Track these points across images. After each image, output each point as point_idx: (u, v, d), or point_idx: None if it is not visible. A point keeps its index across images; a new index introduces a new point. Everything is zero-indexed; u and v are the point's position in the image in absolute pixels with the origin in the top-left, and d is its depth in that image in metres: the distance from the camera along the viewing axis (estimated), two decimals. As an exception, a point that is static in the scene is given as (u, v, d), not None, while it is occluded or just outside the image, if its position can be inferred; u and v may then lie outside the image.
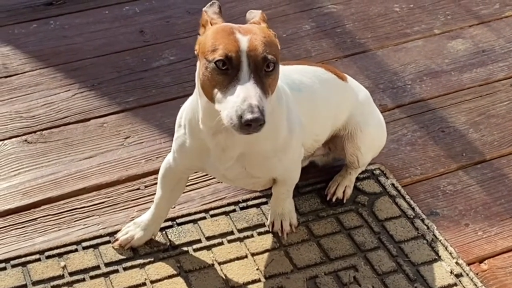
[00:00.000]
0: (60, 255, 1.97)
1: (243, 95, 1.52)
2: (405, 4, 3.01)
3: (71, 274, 1.93)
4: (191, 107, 1.76)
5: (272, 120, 1.64)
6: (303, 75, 1.96)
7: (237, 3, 2.98)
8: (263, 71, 1.57)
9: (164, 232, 2.04)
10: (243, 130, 1.53)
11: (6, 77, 2.59)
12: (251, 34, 1.58)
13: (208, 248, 2.01)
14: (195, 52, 1.66)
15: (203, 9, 1.70)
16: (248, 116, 1.50)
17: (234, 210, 2.11)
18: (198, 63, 1.67)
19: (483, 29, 2.89)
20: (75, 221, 2.09)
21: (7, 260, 1.95)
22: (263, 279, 1.94)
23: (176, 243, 2.01)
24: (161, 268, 1.95)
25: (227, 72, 1.55)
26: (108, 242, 2.01)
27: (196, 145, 1.79)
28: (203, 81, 1.60)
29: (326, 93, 1.98)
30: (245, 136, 1.66)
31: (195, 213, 2.10)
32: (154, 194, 2.00)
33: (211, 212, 2.10)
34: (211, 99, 1.60)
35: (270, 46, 1.59)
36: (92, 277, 1.93)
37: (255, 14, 1.72)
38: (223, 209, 2.12)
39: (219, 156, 1.76)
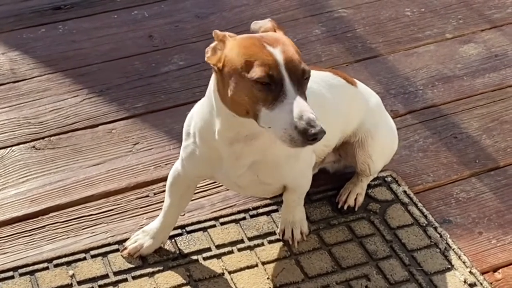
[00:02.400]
0: (68, 263, 1.95)
1: (298, 110, 1.51)
2: (416, 8, 2.98)
3: (80, 283, 1.91)
4: (202, 117, 1.73)
5: None
6: (311, 80, 1.93)
7: (246, 7, 2.96)
8: (302, 81, 1.55)
9: (173, 240, 2.01)
10: (306, 144, 1.52)
11: (14, 82, 2.58)
12: (281, 45, 1.56)
13: (218, 256, 1.98)
14: (215, 68, 1.60)
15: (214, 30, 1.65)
16: (313, 130, 1.49)
17: (244, 218, 2.09)
18: (214, 77, 1.64)
19: (495, 34, 2.86)
20: (83, 228, 2.07)
21: (15, 269, 1.93)
22: (273, 289, 1.92)
23: (186, 251, 1.99)
24: (171, 277, 1.92)
25: (270, 88, 1.53)
26: (117, 250, 1.99)
27: (207, 154, 1.77)
28: (237, 98, 1.56)
29: (334, 98, 1.95)
30: (262, 144, 1.67)
31: (205, 220, 2.08)
32: (163, 201, 1.98)
33: (221, 220, 2.08)
34: (246, 114, 1.58)
35: (299, 55, 1.58)
36: (100, 286, 1.90)
37: (261, 24, 1.68)
38: (233, 217, 2.09)
39: (232, 164, 1.74)
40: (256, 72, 1.52)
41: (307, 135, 1.50)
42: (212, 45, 1.63)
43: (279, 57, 1.53)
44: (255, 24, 1.70)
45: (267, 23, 1.68)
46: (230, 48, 1.59)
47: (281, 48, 1.55)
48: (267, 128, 1.55)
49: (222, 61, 1.59)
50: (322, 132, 1.51)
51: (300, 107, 1.51)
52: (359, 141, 2.06)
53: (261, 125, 1.56)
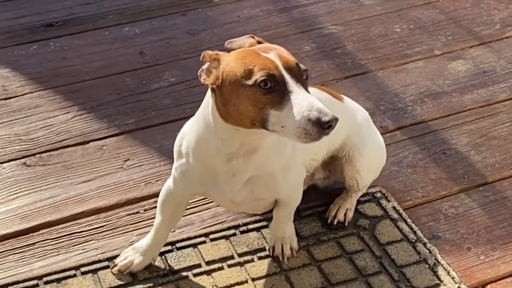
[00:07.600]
0: (58, 280, 1.95)
1: (307, 102, 1.51)
2: (405, 25, 3.01)
3: (70, 300, 1.91)
4: (196, 136, 1.73)
5: (278, 138, 1.66)
6: None
7: (237, 24, 2.98)
8: (302, 80, 1.57)
9: (163, 257, 2.02)
10: (322, 134, 1.52)
11: (5, 99, 2.59)
12: (274, 50, 1.59)
13: (208, 273, 1.99)
14: (212, 87, 1.61)
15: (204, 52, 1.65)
16: (326, 118, 1.49)
17: (234, 234, 2.09)
18: (211, 96, 1.64)
19: (484, 50, 2.89)
20: (74, 245, 2.07)
21: (4, 286, 1.93)
22: (263, 305, 1.92)
23: (176, 268, 2.00)
24: (161, 294, 1.93)
25: (274, 89, 1.54)
26: (107, 267, 1.99)
27: (202, 172, 1.77)
28: (242, 109, 1.57)
29: None
30: (259, 159, 1.69)
31: (195, 237, 2.08)
32: (154, 217, 1.98)
33: (211, 236, 2.09)
34: (252, 125, 1.58)
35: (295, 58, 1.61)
36: (90, 303, 1.91)
37: (241, 42, 1.68)
38: (223, 233, 2.10)
39: (229, 181, 1.75)
40: (258, 75, 1.54)
41: (321, 123, 1.50)
42: (205, 66, 1.63)
43: (276, 60, 1.56)
44: (231, 43, 1.70)
45: (248, 39, 1.69)
46: (226, 63, 1.59)
47: (276, 52, 1.58)
48: (280, 128, 1.54)
49: (220, 78, 1.59)
50: (335, 119, 1.50)
51: (308, 100, 1.52)
52: (346, 156, 2.07)
53: (272, 129, 1.56)
